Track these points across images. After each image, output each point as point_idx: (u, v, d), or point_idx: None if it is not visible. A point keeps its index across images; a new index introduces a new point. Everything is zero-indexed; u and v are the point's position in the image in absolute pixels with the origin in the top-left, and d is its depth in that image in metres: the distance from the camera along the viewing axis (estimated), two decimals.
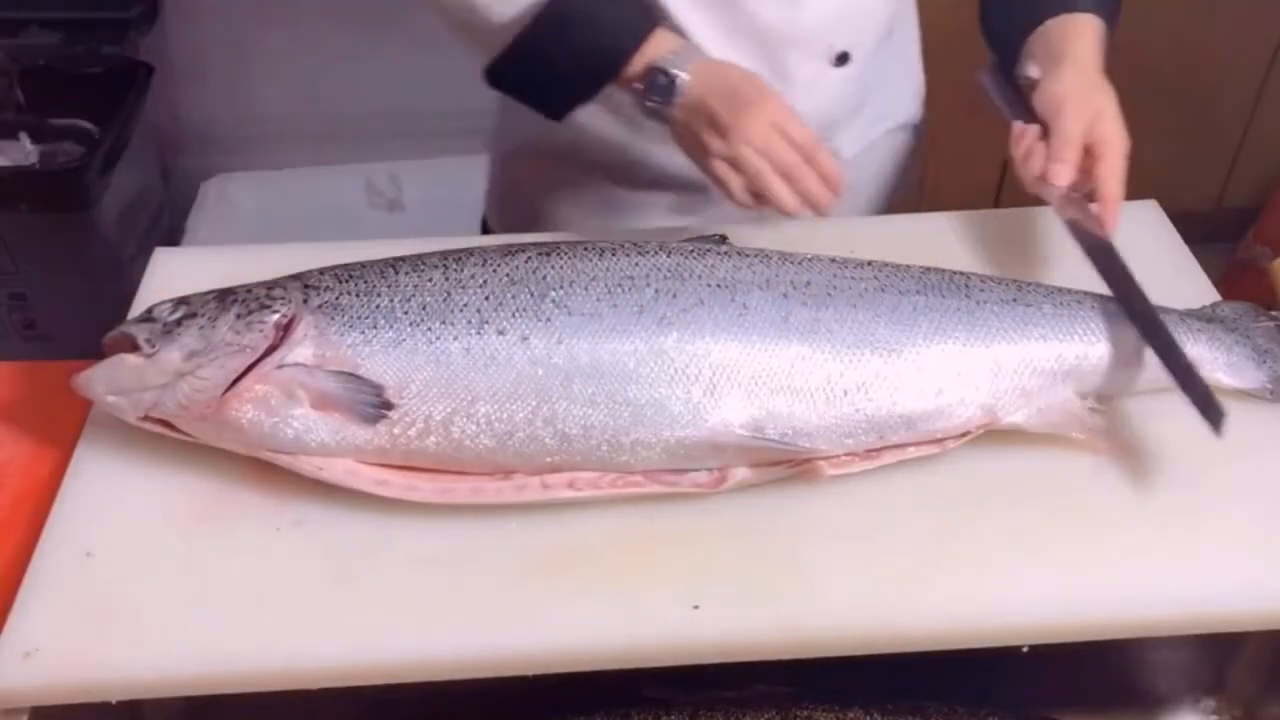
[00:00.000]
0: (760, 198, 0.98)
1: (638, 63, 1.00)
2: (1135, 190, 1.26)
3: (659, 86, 0.99)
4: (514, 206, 1.37)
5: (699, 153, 1.00)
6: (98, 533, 0.88)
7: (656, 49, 1.00)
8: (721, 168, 0.98)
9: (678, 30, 1.07)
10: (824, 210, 0.97)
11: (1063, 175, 1.01)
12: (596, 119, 1.18)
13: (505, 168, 1.38)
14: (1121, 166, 1.01)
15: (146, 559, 0.87)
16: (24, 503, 0.94)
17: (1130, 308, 0.97)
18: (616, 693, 0.95)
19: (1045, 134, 1.04)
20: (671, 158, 1.13)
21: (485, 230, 1.44)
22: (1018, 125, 1.06)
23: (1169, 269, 1.14)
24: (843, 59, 1.16)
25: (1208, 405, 0.89)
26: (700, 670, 0.83)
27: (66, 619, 0.82)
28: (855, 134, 1.25)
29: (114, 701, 0.80)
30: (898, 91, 1.31)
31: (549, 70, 1.05)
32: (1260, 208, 2.44)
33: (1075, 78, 1.04)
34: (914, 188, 1.40)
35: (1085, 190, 1.03)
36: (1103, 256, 1.02)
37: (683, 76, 0.99)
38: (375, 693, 0.81)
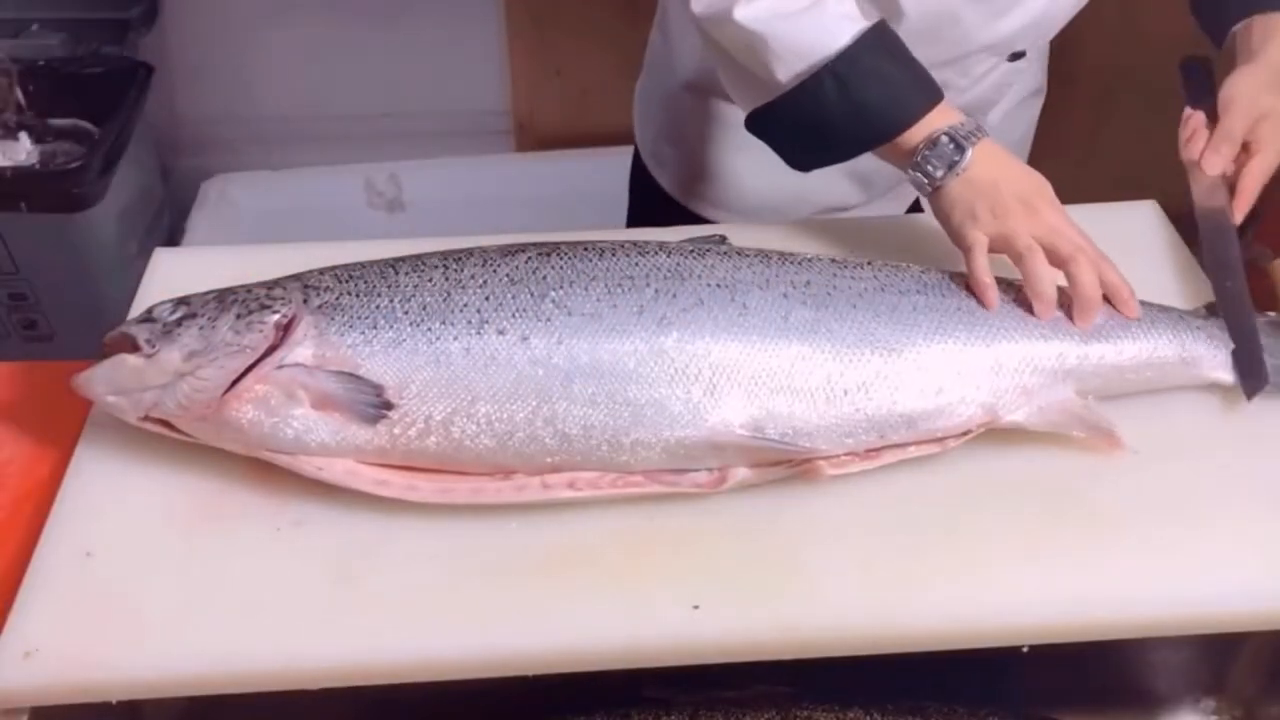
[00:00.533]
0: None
1: (921, 129, 0.99)
2: (1136, 191, 1.27)
3: (944, 153, 0.99)
4: (674, 144, 1.37)
5: (967, 223, 0.99)
6: (98, 533, 0.88)
7: (942, 119, 1.00)
8: (981, 235, 0.98)
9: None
10: (1130, 308, 0.97)
11: (1215, 165, 1.10)
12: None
13: (668, 105, 1.38)
14: (1269, 167, 1.08)
15: (147, 559, 0.87)
16: (24, 503, 0.94)
17: (1221, 286, 1.05)
18: (617, 693, 0.95)
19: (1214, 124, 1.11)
20: None
21: (637, 168, 1.45)
22: (1188, 110, 1.15)
23: (1169, 269, 1.14)
24: (1017, 55, 1.22)
25: (1251, 369, 0.96)
26: (700, 670, 0.83)
27: (67, 619, 0.82)
28: (1003, 107, 1.33)
29: (114, 701, 0.80)
30: (1039, 65, 1.38)
31: (820, 123, 1.03)
32: (1261, 208, 2.43)
33: (1256, 76, 1.10)
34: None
35: (1230, 183, 1.11)
36: (1217, 240, 1.08)
37: (970, 150, 0.98)
38: (375, 693, 0.81)
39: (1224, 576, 0.85)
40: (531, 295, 0.90)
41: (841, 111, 1.01)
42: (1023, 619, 0.83)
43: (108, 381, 0.90)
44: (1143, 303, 1.00)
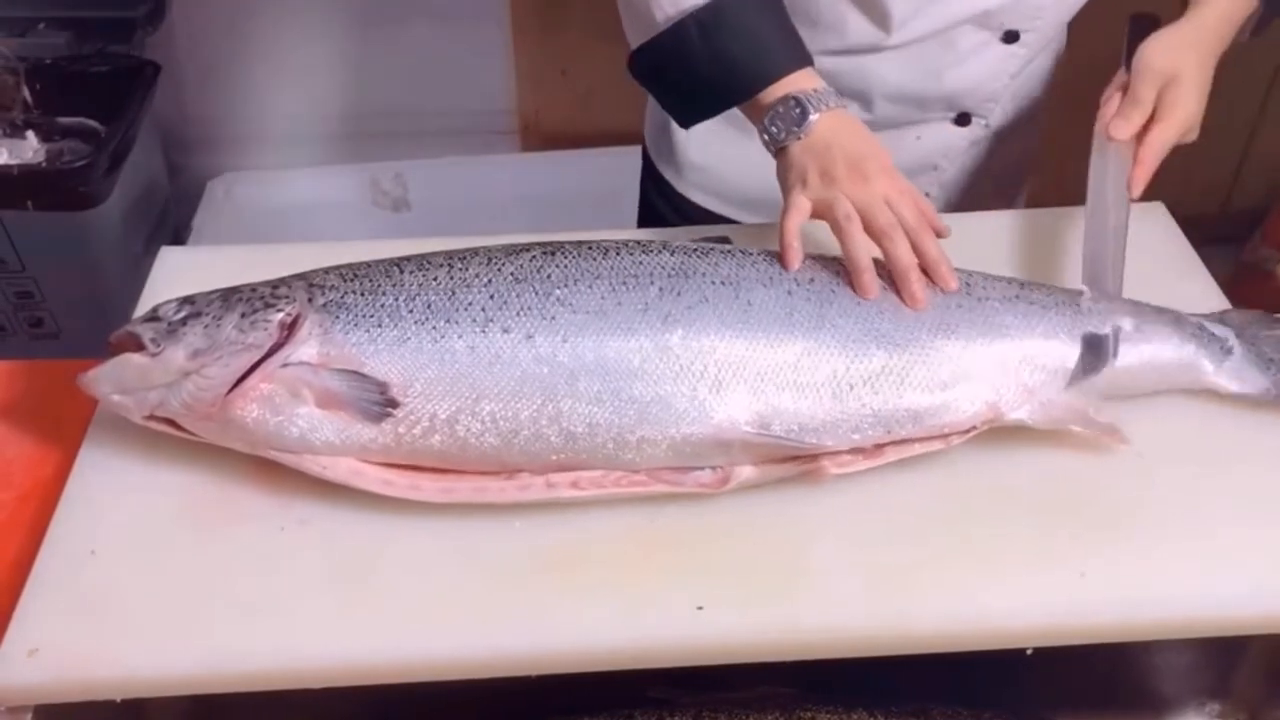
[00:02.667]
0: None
1: (777, 90, 1.00)
2: (1144, 193, 1.26)
3: (789, 116, 0.99)
4: (682, 140, 1.36)
5: (795, 187, 0.98)
6: (102, 531, 0.88)
7: (800, 83, 1.00)
8: (804, 200, 0.97)
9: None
10: (918, 300, 0.93)
11: (1121, 130, 1.04)
12: None
13: None
14: (1169, 135, 1.03)
15: (151, 558, 0.87)
16: (29, 501, 0.94)
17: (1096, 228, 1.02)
18: (620, 693, 0.95)
19: None
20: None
21: (646, 162, 1.44)
22: (1121, 71, 1.09)
23: (1175, 272, 1.13)
24: (1011, 37, 1.18)
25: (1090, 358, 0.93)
26: (704, 671, 0.83)
27: (71, 617, 0.82)
28: (1005, 105, 1.29)
29: (118, 700, 0.80)
30: (1050, 63, 1.34)
31: (687, 72, 1.04)
32: (1267, 210, 2.43)
33: (1174, 35, 1.05)
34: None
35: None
36: (1098, 226, 1.04)
37: (814, 115, 0.98)
38: (379, 692, 0.81)
39: (1228, 579, 0.85)
40: (536, 293, 0.90)
41: (703, 60, 1.02)
42: (1027, 621, 0.83)
43: (113, 380, 0.90)
44: (1144, 305, 0.99)
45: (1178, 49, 1.04)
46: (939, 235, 0.96)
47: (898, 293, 0.94)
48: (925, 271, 0.95)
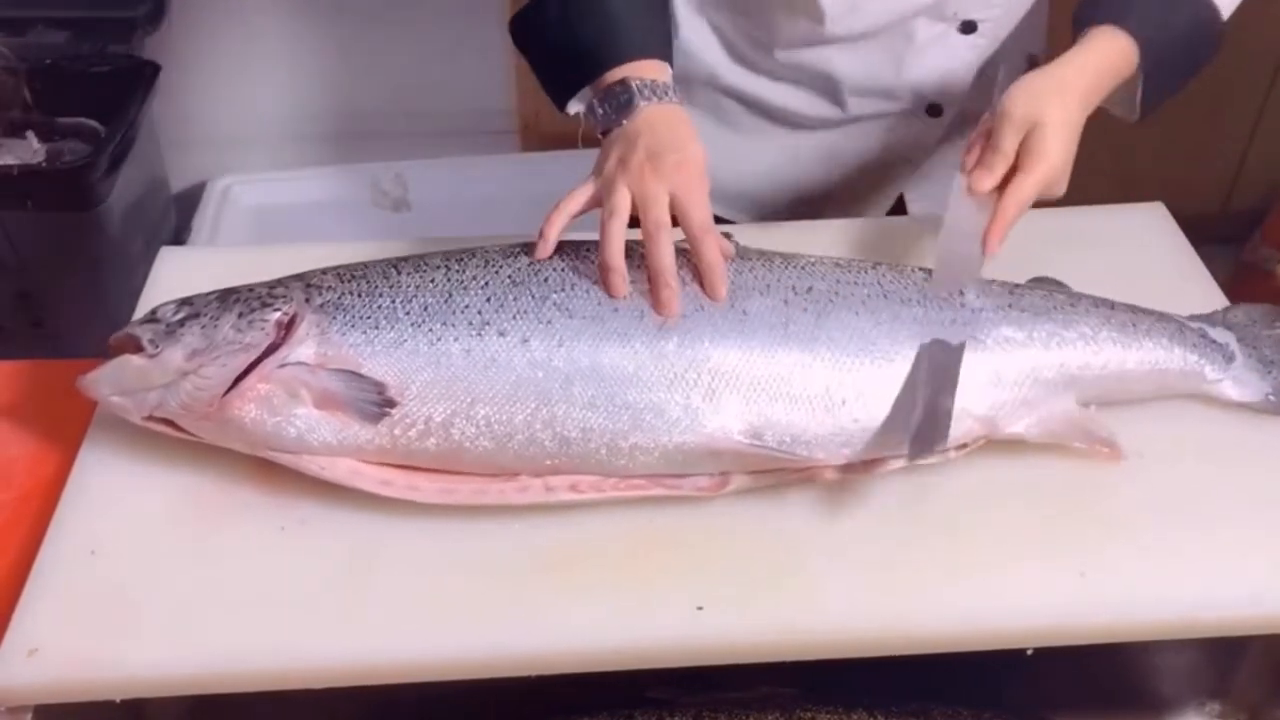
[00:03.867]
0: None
1: (617, 75, 0.98)
2: (1142, 192, 1.26)
3: (616, 101, 0.97)
4: None
5: (592, 173, 0.97)
6: (102, 531, 0.88)
7: (641, 71, 0.98)
8: (586, 187, 0.96)
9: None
10: (668, 305, 0.89)
11: (982, 182, 0.97)
12: (707, 52, 1.20)
13: None
14: (1029, 188, 0.95)
15: (151, 558, 0.87)
16: (29, 501, 0.94)
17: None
18: (620, 693, 0.95)
19: None
20: (781, 96, 1.13)
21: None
22: (986, 114, 1.01)
23: (1176, 272, 1.13)
24: (969, 27, 1.16)
25: (926, 436, 0.85)
26: (704, 671, 0.83)
27: (71, 617, 0.82)
28: (975, 97, 1.24)
29: (118, 700, 0.80)
30: (1023, 62, 1.29)
31: (545, 46, 1.04)
32: (1267, 210, 2.43)
33: (1039, 82, 0.98)
34: None
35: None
36: (949, 259, 0.97)
37: (640, 104, 0.96)
38: (379, 692, 0.81)
39: (1228, 580, 0.85)
40: (533, 297, 0.90)
41: (558, 36, 1.02)
42: (1027, 621, 0.82)
43: (112, 382, 0.90)
44: (1144, 311, 0.99)
45: (1041, 95, 0.96)
46: (724, 251, 0.93)
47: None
48: (697, 276, 0.91)
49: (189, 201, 2.46)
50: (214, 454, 0.92)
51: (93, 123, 2.07)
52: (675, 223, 0.92)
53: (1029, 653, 0.83)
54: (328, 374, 0.87)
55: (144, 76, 2.14)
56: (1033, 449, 0.94)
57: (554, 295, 0.90)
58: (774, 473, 0.90)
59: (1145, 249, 1.16)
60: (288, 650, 0.81)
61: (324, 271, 0.95)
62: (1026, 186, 0.95)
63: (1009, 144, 0.96)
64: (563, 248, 0.95)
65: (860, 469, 0.90)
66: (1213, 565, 0.86)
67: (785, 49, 1.19)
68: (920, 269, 0.99)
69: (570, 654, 0.81)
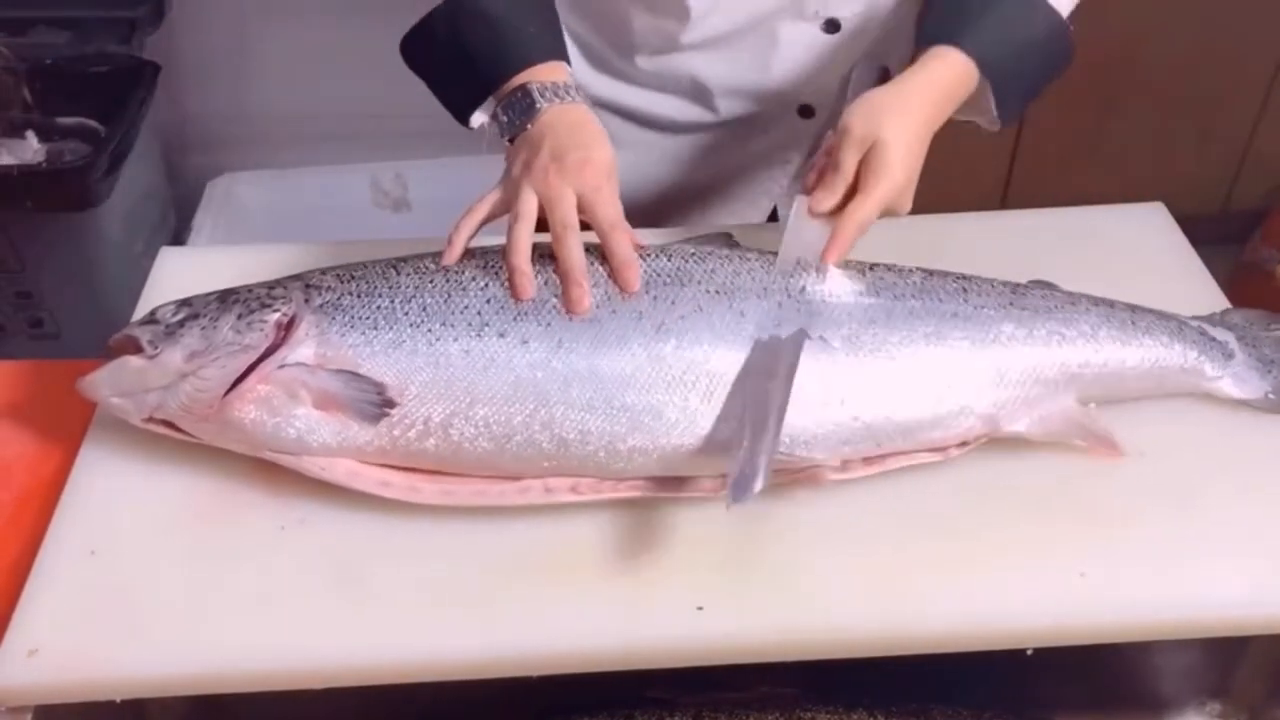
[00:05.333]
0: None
1: (516, 81, 0.97)
2: (1142, 192, 1.26)
3: (518, 106, 0.96)
4: None
5: (501, 179, 0.96)
6: (103, 531, 0.88)
7: (540, 75, 0.97)
8: (493, 195, 0.95)
9: None
10: (578, 303, 0.89)
11: (822, 203, 0.95)
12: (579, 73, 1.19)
13: None
14: (868, 209, 0.93)
15: (151, 558, 0.87)
16: (29, 501, 0.94)
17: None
18: (621, 693, 0.95)
19: None
20: (648, 102, 1.13)
21: None
22: (830, 132, 0.99)
23: (1176, 272, 1.13)
24: (832, 26, 1.14)
25: (747, 474, 0.81)
26: (704, 671, 0.83)
27: (71, 618, 0.82)
28: (849, 99, 1.21)
29: (118, 700, 0.80)
30: (895, 65, 1.27)
31: (438, 65, 1.03)
32: (1267, 210, 2.43)
33: (874, 101, 0.96)
34: None
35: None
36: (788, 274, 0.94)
37: (541, 106, 0.95)
38: (379, 692, 0.81)
39: (1229, 580, 0.85)
40: (532, 299, 0.90)
41: (448, 53, 1.01)
42: (1027, 621, 0.82)
43: (111, 384, 0.90)
44: (1145, 310, 0.99)
45: (881, 112, 0.94)
46: (636, 244, 0.92)
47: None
48: (612, 273, 0.91)
49: (189, 201, 2.46)
50: (214, 454, 0.92)
51: (93, 123, 2.07)
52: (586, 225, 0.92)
53: (1029, 653, 0.83)
54: (327, 374, 0.87)
55: (144, 76, 2.14)
56: (1033, 449, 0.94)
57: (553, 298, 0.90)
58: (774, 473, 0.89)
59: (1145, 249, 1.16)
60: (288, 650, 0.81)
61: (323, 272, 0.95)
62: (866, 207, 0.93)
63: (848, 163, 0.94)
64: None
65: (860, 468, 0.90)
66: (1213, 565, 0.86)
67: (649, 55, 1.18)
68: (919, 269, 0.99)
69: (571, 654, 0.81)
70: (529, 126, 0.95)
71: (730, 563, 0.86)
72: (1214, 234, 1.51)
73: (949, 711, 0.97)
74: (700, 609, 0.83)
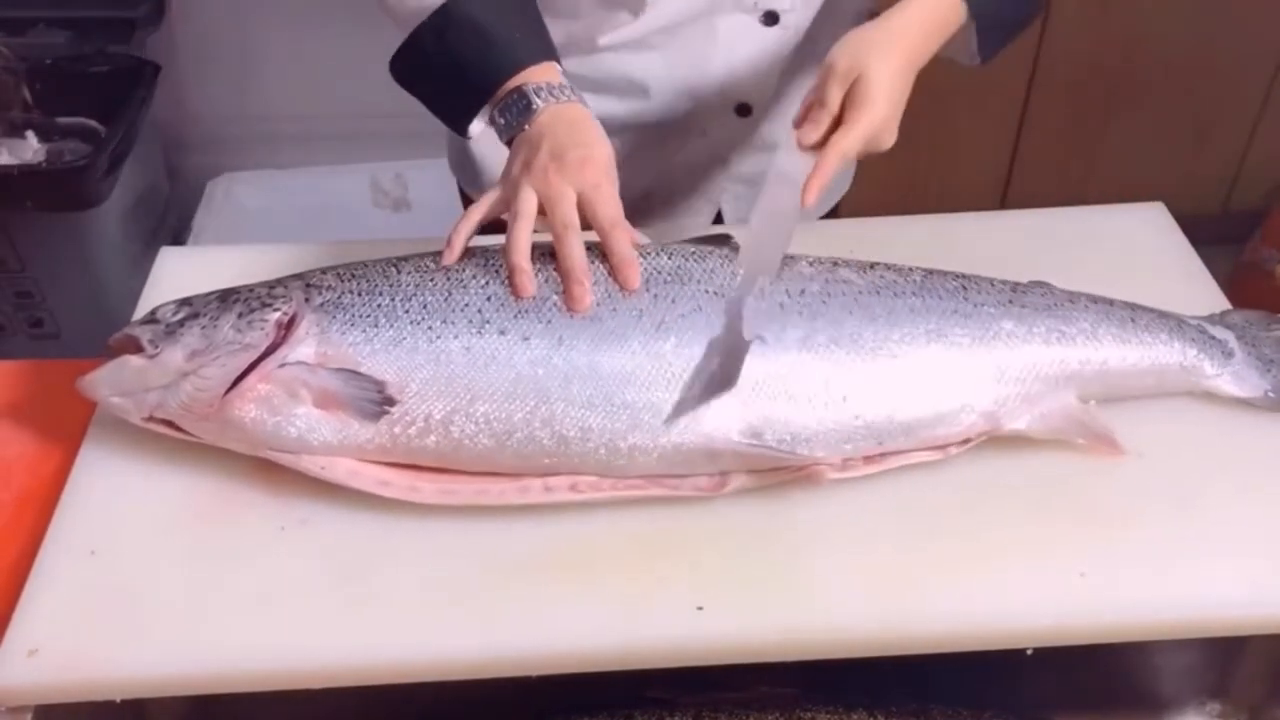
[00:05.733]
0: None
1: (510, 84, 0.97)
2: (1142, 192, 1.27)
3: (515, 108, 0.96)
4: (471, 162, 1.33)
5: (500, 179, 0.97)
6: (102, 531, 0.88)
7: (534, 76, 0.97)
8: (492, 193, 0.95)
9: None
10: (579, 302, 0.89)
11: (808, 135, 0.96)
12: None
13: None
14: (850, 140, 0.94)
15: (151, 558, 0.87)
16: (29, 501, 0.94)
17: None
18: (620, 693, 0.95)
19: None
20: (594, 105, 1.13)
21: (462, 195, 1.41)
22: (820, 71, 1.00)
23: (1176, 272, 1.13)
24: (771, 18, 1.14)
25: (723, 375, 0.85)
26: (704, 671, 0.83)
27: (71, 618, 0.82)
28: (785, 96, 1.22)
29: (118, 700, 0.80)
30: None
31: (431, 77, 1.03)
32: (1267, 210, 2.43)
33: (864, 35, 0.97)
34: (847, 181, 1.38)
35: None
36: (767, 217, 0.96)
37: (539, 106, 0.95)
38: (379, 692, 0.81)
39: (1229, 580, 0.85)
40: (533, 296, 0.90)
41: (440, 66, 1.01)
42: (1026, 621, 0.82)
43: (111, 383, 0.90)
44: (1145, 309, 0.99)
45: (866, 47, 0.95)
46: (635, 242, 0.93)
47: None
48: (612, 271, 0.91)
49: (189, 201, 2.47)
50: (214, 454, 0.92)
51: (93, 123, 2.08)
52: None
53: (1029, 653, 0.83)
54: (327, 373, 0.87)
55: (144, 76, 2.14)
56: (1033, 448, 0.94)
57: (554, 295, 0.90)
58: (774, 472, 0.90)
59: (1145, 249, 1.16)
60: (288, 650, 0.81)
61: (324, 270, 0.95)
62: (848, 139, 0.94)
63: (833, 96, 0.95)
64: None
65: (860, 466, 0.90)
66: (1213, 565, 0.86)
67: (588, 53, 1.17)
68: (919, 268, 0.99)
69: (570, 654, 0.81)
70: (526, 127, 0.95)
71: (730, 562, 0.86)
72: (1214, 234, 1.51)
73: (949, 711, 0.97)
74: (700, 609, 0.83)
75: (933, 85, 1.37)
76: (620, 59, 1.18)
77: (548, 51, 1.00)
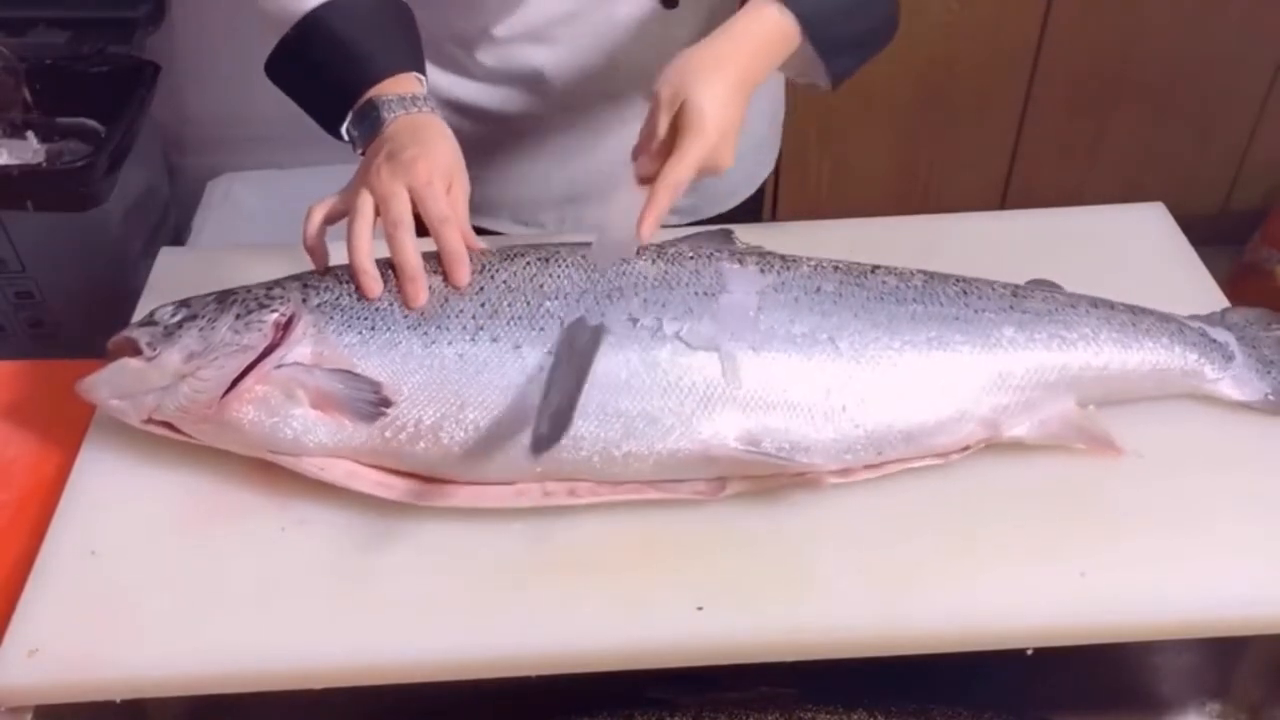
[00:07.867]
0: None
1: (364, 97, 0.98)
2: (1142, 192, 1.26)
3: (366, 120, 0.97)
4: None
5: (346, 186, 0.97)
6: (102, 532, 0.88)
7: (388, 88, 0.97)
8: (332, 198, 0.97)
9: None
10: (414, 299, 0.90)
11: (643, 167, 0.94)
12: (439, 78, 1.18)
13: None
14: (681, 170, 0.91)
15: (151, 558, 0.87)
16: (29, 501, 0.94)
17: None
18: (620, 694, 0.95)
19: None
20: (487, 96, 1.13)
21: None
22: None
23: (1176, 272, 1.13)
24: (669, 1, 1.12)
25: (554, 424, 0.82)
26: (704, 672, 0.83)
27: (71, 618, 0.82)
28: None
29: (118, 700, 0.80)
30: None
31: (296, 90, 1.04)
32: (1267, 210, 2.43)
33: (689, 60, 0.94)
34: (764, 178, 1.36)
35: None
36: (604, 245, 0.94)
37: (387, 117, 0.95)
38: (378, 692, 0.81)
39: (1228, 580, 0.85)
40: (527, 304, 0.90)
41: (303, 74, 1.02)
42: (1027, 622, 0.82)
43: (110, 385, 0.90)
44: (1145, 311, 0.99)
45: (687, 75, 0.92)
46: (470, 243, 0.93)
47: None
48: (442, 268, 0.91)
49: (189, 201, 2.46)
50: (214, 455, 0.92)
51: (93, 123, 2.07)
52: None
53: (1029, 653, 0.83)
54: (323, 373, 0.87)
55: (144, 76, 2.14)
56: (1033, 450, 0.94)
57: (548, 303, 0.90)
58: (773, 477, 0.89)
59: (1145, 249, 1.16)
60: (287, 651, 0.81)
61: (322, 272, 0.95)
62: (678, 170, 0.91)
63: (661, 126, 0.93)
64: (559, 253, 0.94)
65: (860, 473, 0.90)
66: (1213, 565, 0.86)
67: (488, 45, 1.16)
68: (920, 271, 0.99)
69: (570, 654, 0.81)
70: (376, 139, 0.96)
71: (730, 562, 0.86)
72: (1214, 234, 1.51)
73: (949, 711, 0.97)
74: (700, 609, 0.83)
75: (933, 85, 1.37)
76: (522, 50, 1.16)
77: (406, 63, 1.00)
